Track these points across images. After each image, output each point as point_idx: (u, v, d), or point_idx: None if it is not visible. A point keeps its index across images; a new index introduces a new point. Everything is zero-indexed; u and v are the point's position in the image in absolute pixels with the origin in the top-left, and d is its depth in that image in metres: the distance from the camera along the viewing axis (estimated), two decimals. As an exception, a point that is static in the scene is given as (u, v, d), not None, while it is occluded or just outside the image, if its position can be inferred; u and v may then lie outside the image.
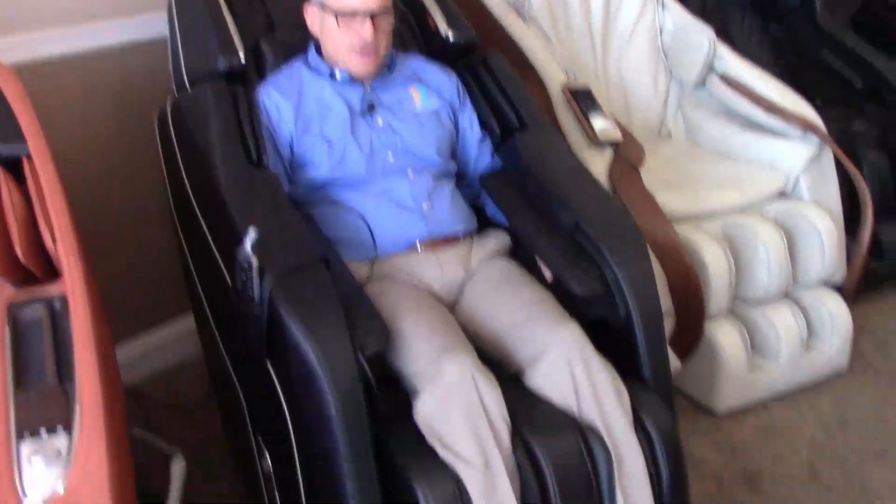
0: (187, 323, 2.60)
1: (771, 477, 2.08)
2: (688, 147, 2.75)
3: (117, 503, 1.16)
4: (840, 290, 2.48)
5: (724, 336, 2.28)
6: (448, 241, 1.77)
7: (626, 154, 2.37)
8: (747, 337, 2.31)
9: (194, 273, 1.85)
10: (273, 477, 1.65)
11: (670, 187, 2.40)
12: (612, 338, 1.65)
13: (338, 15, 1.75)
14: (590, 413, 1.49)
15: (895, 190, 2.84)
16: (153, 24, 2.14)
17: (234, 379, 1.73)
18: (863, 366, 2.49)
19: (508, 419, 1.45)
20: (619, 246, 1.66)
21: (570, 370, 1.50)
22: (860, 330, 2.50)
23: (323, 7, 1.78)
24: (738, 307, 2.38)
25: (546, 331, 1.55)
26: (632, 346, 1.63)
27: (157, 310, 2.56)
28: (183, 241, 1.88)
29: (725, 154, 2.64)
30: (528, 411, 1.50)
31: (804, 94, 2.57)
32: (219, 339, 1.78)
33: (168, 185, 1.92)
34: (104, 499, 1.15)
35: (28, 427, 1.19)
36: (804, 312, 2.39)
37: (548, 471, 1.43)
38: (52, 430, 1.19)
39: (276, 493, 1.66)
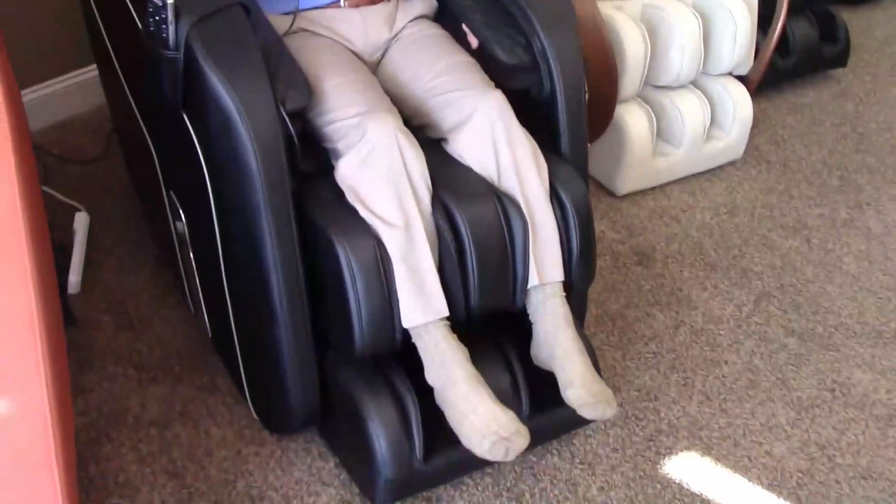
0: (82, 75, 2.47)
1: (662, 255, 2.19)
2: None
3: (36, 252, 1.13)
4: (743, 80, 2.53)
5: (633, 119, 2.31)
6: (373, -1, 1.70)
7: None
8: (654, 121, 2.35)
9: (98, 16, 1.72)
10: (187, 237, 1.63)
11: (594, -37, 2.33)
12: (532, 109, 1.64)
13: None
14: (508, 181, 1.50)
15: (807, -14, 2.86)
16: None
17: (145, 133, 1.66)
18: (756, 157, 2.59)
19: (430, 182, 1.45)
20: (550, 17, 1.62)
21: (493, 139, 1.50)
22: (756, 122, 2.58)
23: None
24: (648, 92, 2.41)
25: (470, 98, 1.53)
26: (552, 120, 1.64)
27: (49, 61, 2.40)
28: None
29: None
30: (448, 176, 1.50)
31: None
32: (126, 89, 1.69)
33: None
34: (21, 251, 1.11)
35: None
36: (709, 101, 2.44)
37: (466, 234, 1.45)
38: None
39: (191, 254, 1.65)
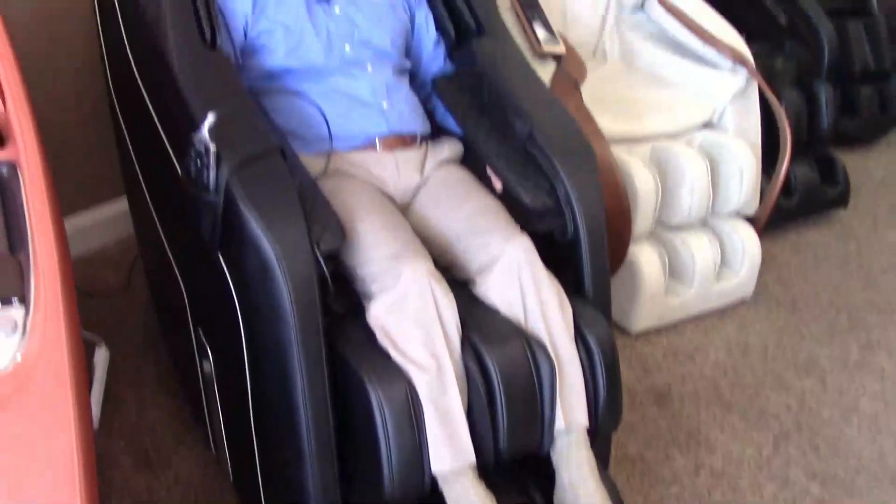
0: (103, 210, 2.52)
1: (678, 394, 2.20)
2: (622, 69, 2.77)
3: (74, 375, 1.13)
4: (751, 221, 2.59)
5: (645, 259, 2.36)
6: (406, 141, 1.76)
7: (568, 69, 2.38)
8: (666, 261, 2.40)
9: (134, 156, 1.77)
10: (214, 376, 1.63)
11: (603, 108, 2.42)
12: (555, 250, 1.67)
13: None
14: (535, 325, 1.52)
15: (808, 130, 2.96)
16: None
17: (176, 271, 1.69)
18: (765, 296, 2.62)
19: (460, 326, 1.47)
20: (572, 161, 1.67)
21: (520, 282, 1.53)
22: (764, 262, 2.61)
23: None
24: (659, 231, 2.46)
25: (497, 242, 1.56)
26: (576, 262, 1.67)
27: (70, 197, 2.45)
28: (122, 121, 1.79)
29: (658, 79, 2.67)
30: (477, 319, 1.52)
31: (732, 26, 2.62)
32: (159, 228, 1.72)
33: (106, 61, 1.82)
34: (63, 370, 1.12)
35: None
36: (719, 241, 2.49)
37: (495, 376, 1.46)
38: (6, 302, 1.15)
39: (216, 393, 1.65)
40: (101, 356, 2.04)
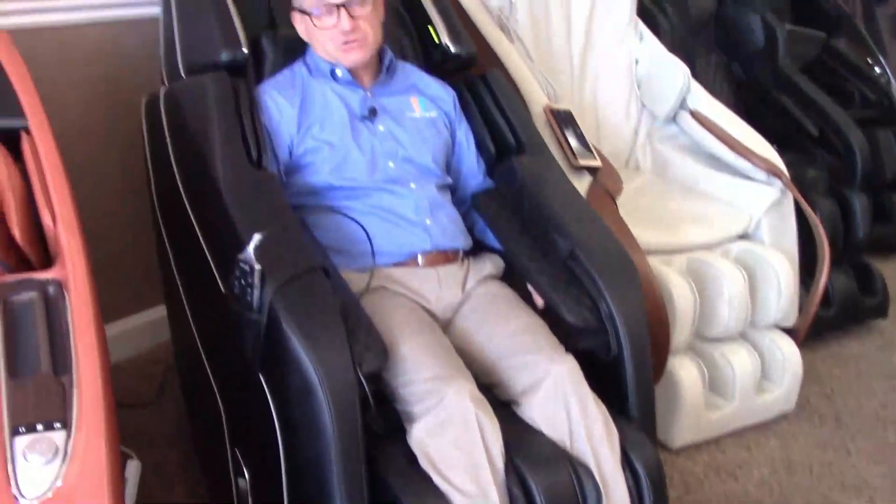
0: (135, 320, 2.52)
1: (722, 514, 2.12)
2: (655, 180, 2.78)
3: (113, 498, 1.11)
4: (790, 333, 2.55)
5: (684, 372, 2.31)
6: (448, 257, 1.76)
7: (604, 182, 2.39)
8: (706, 374, 2.35)
9: (175, 269, 1.78)
10: (249, 494, 1.59)
11: (638, 219, 2.41)
12: (598, 368, 1.65)
13: (311, 14, 1.74)
14: (581, 449, 1.49)
15: (844, 239, 2.95)
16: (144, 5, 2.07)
17: (214, 386, 1.67)
18: (808, 410, 2.56)
19: (504, 449, 1.44)
20: (615, 278, 1.66)
21: (566, 406, 1.50)
22: (805, 374, 2.56)
23: (301, 10, 1.76)
24: (697, 344, 2.42)
25: (542, 363, 1.54)
26: (619, 380, 1.64)
27: (108, 304, 2.46)
28: (165, 236, 1.81)
29: (692, 190, 2.68)
30: (521, 441, 1.49)
31: (762, 136, 2.64)
32: (199, 342, 1.72)
33: (151, 175, 1.85)
34: (102, 496, 1.10)
35: (23, 422, 1.13)
36: (758, 353, 2.45)
37: (541, 502, 1.42)
38: (48, 426, 1.14)
39: (251, 509, 1.61)
40: (133, 469, 1.99)
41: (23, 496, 1.07)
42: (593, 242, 1.71)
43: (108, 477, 1.12)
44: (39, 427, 1.13)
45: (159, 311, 2.47)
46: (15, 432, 1.12)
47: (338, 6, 1.71)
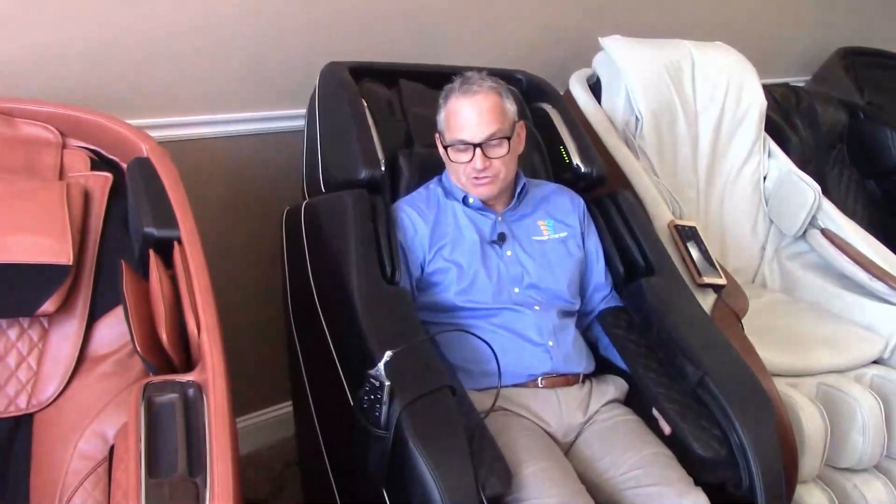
0: (259, 416, 2.58)
1: None
2: (783, 299, 2.71)
3: None
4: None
5: (814, 503, 2.21)
6: (568, 380, 1.75)
7: (729, 300, 2.35)
8: (838, 506, 2.24)
9: (305, 378, 1.83)
10: None
11: (765, 339, 2.35)
12: (727, 502, 1.60)
13: (447, 148, 1.78)
14: (712, 587, 1.44)
15: None
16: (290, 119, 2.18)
17: (337, 496, 1.69)
18: (949, 550, 2.39)
19: (627, 584, 1.40)
20: (747, 409, 1.62)
21: (695, 542, 1.46)
22: (946, 509, 2.41)
23: (442, 137, 1.82)
24: (828, 474, 2.31)
25: (671, 496, 1.51)
26: (751, 516, 1.58)
27: (235, 401, 2.55)
28: (297, 342, 1.86)
29: (823, 310, 2.60)
30: (645, 576, 1.45)
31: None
32: (324, 453, 1.75)
33: (287, 282, 1.92)
34: None
35: None
36: (894, 486, 2.32)
37: None
38: None
39: None
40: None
41: None
42: (724, 370, 1.68)
43: None
44: (175, 525, 1.16)
45: (282, 409, 2.54)
46: (153, 528, 1.15)
47: (474, 146, 1.76)
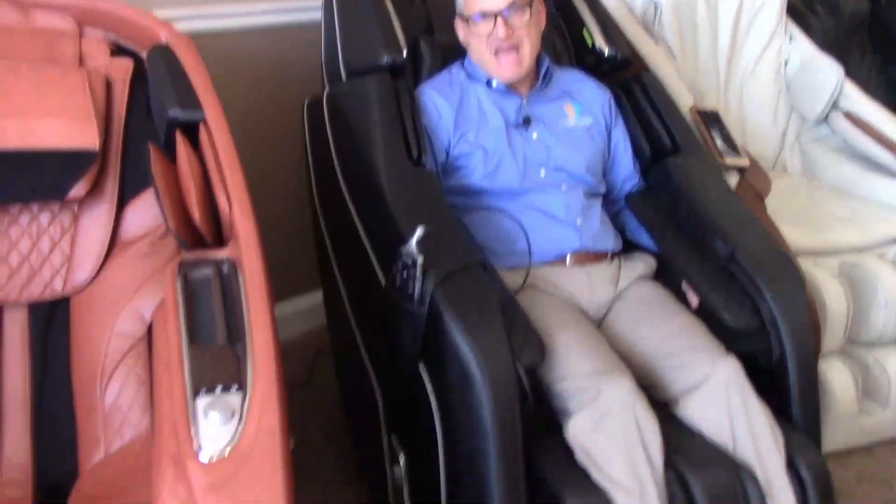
0: (288, 305, 2.61)
1: (879, 526, 2.05)
2: (805, 182, 2.70)
3: (284, 459, 1.16)
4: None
5: (836, 376, 2.23)
6: (597, 257, 1.75)
7: (752, 181, 2.33)
8: (859, 379, 2.27)
9: (335, 264, 1.84)
10: (406, 481, 1.63)
11: (788, 221, 2.35)
12: (759, 374, 1.61)
13: (469, 21, 1.75)
14: (745, 452, 1.46)
15: None
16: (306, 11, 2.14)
17: (372, 376, 1.72)
18: (968, 420, 2.43)
19: (663, 448, 1.43)
20: (778, 281, 1.62)
21: (728, 407, 1.48)
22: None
23: (461, 16, 1.79)
24: (850, 348, 2.34)
25: (702, 363, 1.52)
26: (782, 386, 1.60)
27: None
28: (324, 230, 1.87)
29: (844, 192, 2.59)
30: (680, 441, 1.48)
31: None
32: (356, 332, 1.77)
33: (312, 172, 1.92)
34: (276, 456, 1.14)
35: (204, 384, 1.19)
36: (915, 360, 2.34)
37: (701, 501, 1.40)
38: (226, 389, 1.19)
39: (406, 497, 1.64)
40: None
41: (202, 450, 1.13)
42: (754, 245, 1.68)
43: (282, 439, 1.17)
44: (218, 389, 1.19)
45: (311, 298, 2.55)
46: (196, 393, 1.18)
47: (495, 14, 1.73)
